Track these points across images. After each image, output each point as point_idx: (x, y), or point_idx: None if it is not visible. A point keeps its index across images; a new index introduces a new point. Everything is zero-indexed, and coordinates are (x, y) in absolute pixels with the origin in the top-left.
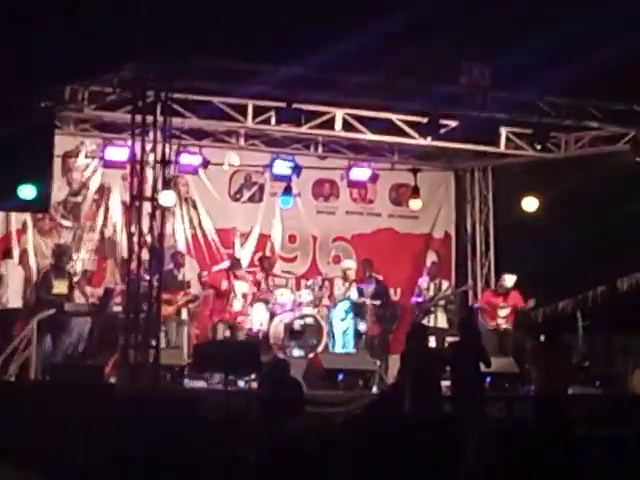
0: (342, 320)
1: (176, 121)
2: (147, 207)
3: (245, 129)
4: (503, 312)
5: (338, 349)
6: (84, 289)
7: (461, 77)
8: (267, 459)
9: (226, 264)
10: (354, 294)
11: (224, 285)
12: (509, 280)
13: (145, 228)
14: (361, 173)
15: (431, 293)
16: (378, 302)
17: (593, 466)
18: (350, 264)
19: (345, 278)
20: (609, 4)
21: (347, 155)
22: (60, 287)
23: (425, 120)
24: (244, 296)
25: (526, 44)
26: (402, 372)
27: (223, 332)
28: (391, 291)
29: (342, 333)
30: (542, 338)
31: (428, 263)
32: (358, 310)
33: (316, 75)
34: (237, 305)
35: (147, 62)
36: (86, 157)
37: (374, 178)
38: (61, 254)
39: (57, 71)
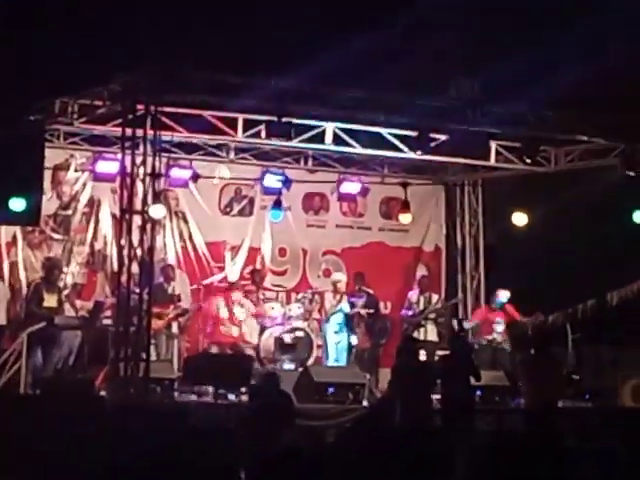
0: (335, 333)
1: (166, 134)
2: (137, 220)
3: (235, 143)
4: (499, 327)
5: (331, 362)
6: (74, 302)
7: (451, 91)
8: (257, 473)
9: (218, 277)
10: (346, 306)
11: (222, 312)
12: (503, 295)
13: (135, 241)
14: (351, 187)
15: (421, 306)
16: (372, 311)
17: (583, 479)
18: (340, 276)
19: (335, 291)
20: (598, 19)
21: (337, 169)
22: (50, 301)
23: (415, 134)
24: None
25: (516, 57)
26: (393, 385)
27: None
28: (381, 305)
29: (335, 346)
30: (532, 351)
31: (418, 276)
32: (350, 323)
33: (306, 89)
34: (235, 330)
35: (137, 75)
36: (76, 170)
37: (364, 192)
38: (52, 267)
39: (47, 84)
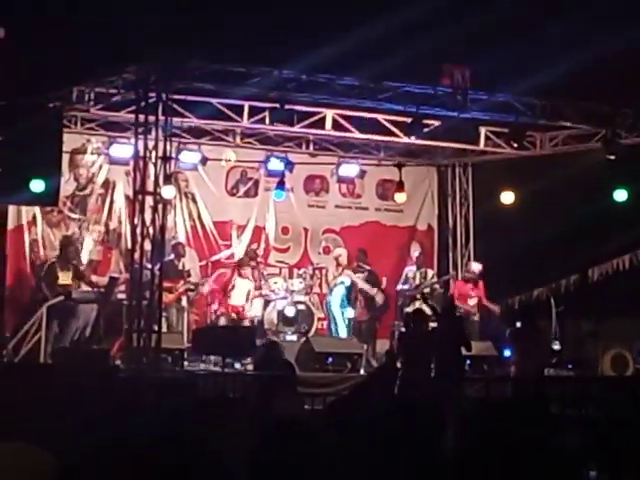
0: (340, 306)
1: (176, 120)
2: (149, 201)
3: (241, 128)
4: (472, 301)
5: (343, 334)
6: (90, 278)
7: (443, 79)
8: (260, 439)
9: (226, 253)
10: (347, 279)
11: (229, 284)
12: (476, 267)
13: (147, 220)
14: (350, 169)
15: (417, 281)
16: (374, 289)
17: (565, 443)
18: (340, 251)
19: (338, 264)
20: (582, 8)
21: (337, 152)
22: (65, 278)
23: (409, 120)
24: (247, 293)
25: (504, 46)
26: (392, 354)
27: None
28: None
29: (342, 319)
30: (518, 324)
31: (414, 254)
32: (350, 296)
33: (307, 78)
34: (239, 300)
35: (149, 65)
36: (92, 154)
37: (362, 174)
38: (67, 245)
39: (65, 73)
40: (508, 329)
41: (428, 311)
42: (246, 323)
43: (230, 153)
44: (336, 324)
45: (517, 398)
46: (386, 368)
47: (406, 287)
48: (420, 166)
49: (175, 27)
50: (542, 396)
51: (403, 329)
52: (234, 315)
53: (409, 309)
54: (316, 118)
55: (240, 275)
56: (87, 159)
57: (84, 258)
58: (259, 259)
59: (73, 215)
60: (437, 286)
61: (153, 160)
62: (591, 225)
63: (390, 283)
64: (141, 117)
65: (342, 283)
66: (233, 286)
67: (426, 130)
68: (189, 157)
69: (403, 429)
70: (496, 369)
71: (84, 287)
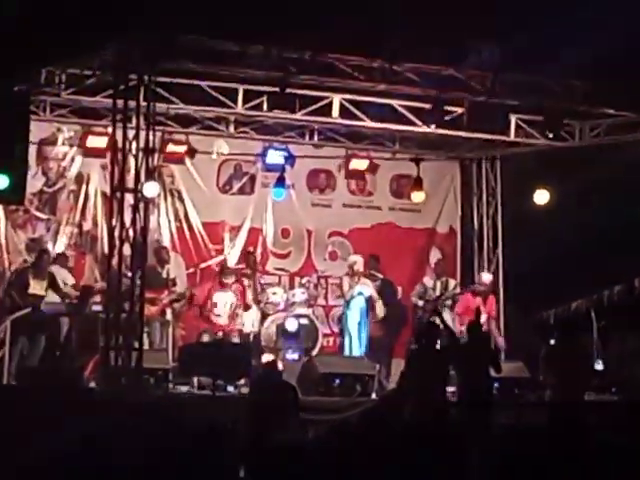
0: (359, 323)
1: (161, 107)
2: (129, 199)
3: (235, 115)
4: (482, 317)
5: (357, 352)
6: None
7: (468, 59)
8: (257, 470)
9: (217, 260)
10: (365, 290)
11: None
12: (487, 278)
13: (127, 221)
14: (360, 163)
15: (437, 292)
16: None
17: (611, 476)
18: (356, 258)
19: (353, 273)
20: None
21: (345, 144)
22: (37, 288)
23: (429, 106)
24: (231, 306)
25: (539, 23)
26: (406, 374)
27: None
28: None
29: (358, 335)
30: (552, 342)
31: (432, 260)
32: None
33: (312, 58)
34: (222, 319)
35: (130, 43)
36: (63, 145)
37: (373, 169)
38: (42, 253)
39: (32, 52)
40: (543, 347)
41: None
42: (235, 338)
43: (222, 144)
44: (351, 342)
45: (553, 426)
46: (399, 392)
47: (420, 303)
48: (441, 160)
49: (160, 0)
50: (582, 423)
51: (414, 346)
52: (220, 334)
53: None
54: (321, 104)
55: (221, 286)
56: (57, 151)
57: None
58: (258, 266)
59: (41, 215)
60: (459, 297)
61: (134, 152)
62: (638, 228)
63: (406, 293)
64: (120, 102)
65: (361, 294)
66: (214, 303)
67: (448, 118)
68: (175, 149)
69: (416, 458)
70: (528, 393)
71: (53, 298)
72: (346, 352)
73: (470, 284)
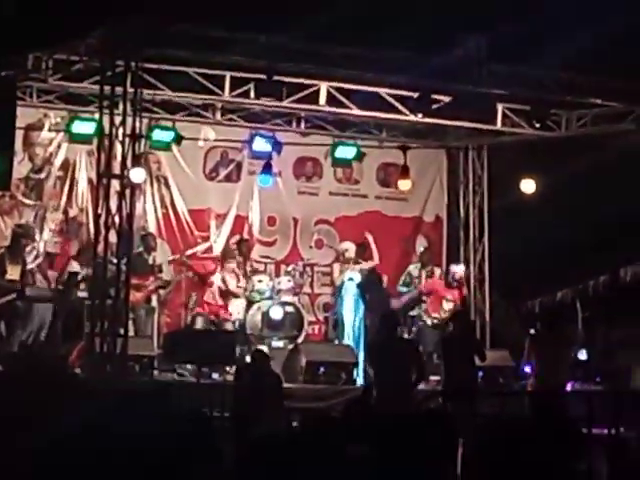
0: (354, 310)
1: (147, 93)
2: (115, 185)
3: (222, 102)
4: (448, 305)
5: (348, 341)
6: (46, 273)
7: (455, 48)
8: (241, 459)
9: (203, 247)
10: (356, 275)
11: (211, 276)
12: (459, 269)
13: (113, 208)
14: (346, 151)
15: (422, 280)
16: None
17: (591, 466)
18: (348, 245)
19: (344, 261)
20: None
21: (331, 132)
22: (13, 273)
23: (416, 95)
24: (228, 290)
25: (526, 14)
26: (368, 364)
27: (202, 325)
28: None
29: (352, 325)
30: (532, 331)
31: (419, 249)
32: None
33: (299, 45)
34: (217, 298)
35: (117, 28)
36: (50, 131)
37: (360, 157)
38: (19, 236)
39: (19, 37)
40: (527, 335)
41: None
42: (229, 324)
43: (209, 131)
44: (343, 330)
45: (534, 415)
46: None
47: (405, 290)
48: (428, 148)
49: None
50: (564, 413)
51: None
52: (213, 317)
53: (413, 313)
54: (308, 92)
55: (223, 269)
56: (44, 136)
57: (40, 250)
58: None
59: (27, 201)
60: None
61: (120, 138)
62: (623, 218)
63: (392, 282)
64: (107, 88)
65: (351, 280)
66: (212, 282)
67: (435, 107)
68: (161, 135)
69: (402, 447)
70: (513, 382)
71: (39, 283)
72: (339, 339)
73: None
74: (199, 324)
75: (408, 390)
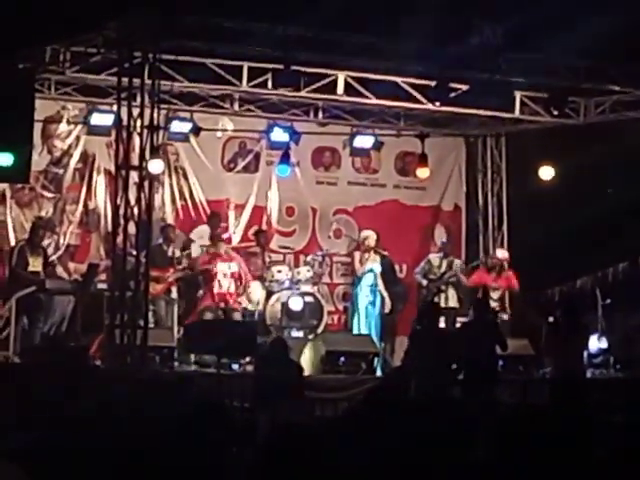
0: (367, 297)
1: (165, 84)
2: (134, 177)
3: (240, 93)
4: (496, 294)
5: (364, 331)
6: (67, 265)
7: (472, 37)
8: (261, 450)
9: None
10: (377, 266)
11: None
12: (501, 254)
13: (132, 199)
14: (364, 141)
15: (442, 270)
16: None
17: (611, 454)
18: (368, 233)
19: (365, 249)
20: None
21: (350, 121)
22: (35, 265)
23: (434, 83)
24: (233, 275)
25: (542, 1)
26: (410, 354)
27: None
28: (396, 268)
29: (366, 312)
30: (551, 319)
31: (438, 239)
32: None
33: (316, 35)
34: (225, 285)
35: (134, 20)
36: (68, 123)
37: (378, 146)
38: (38, 228)
39: (37, 30)
40: (546, 324)
41: (455, 303)
42: (237, 314)
43: (227, 122)
44: (359, 320)
45: (554, 403)
46: (403, 371)
47: (424, 282)
48: (446, 137)
49: None
50: (583, 401)
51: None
52: (222, 305)
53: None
54: (326, 81)
55: (220, 258)
56: (62, 129)
57: (60, 242)
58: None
59: (47, 193)
60: (462, 276)
61: (138, 130)
62: None
63: (411, 271)
64: (124, 80)
65: (371, 271)
66: (216, 272)
67: (453, 95)
68: (180, 126)
69: (423, 436)
70: (534, 370)
71: (61, 275)
72: (355, 330)
73: (484, 258)
74: (208, 317)
75: (446, 379)
